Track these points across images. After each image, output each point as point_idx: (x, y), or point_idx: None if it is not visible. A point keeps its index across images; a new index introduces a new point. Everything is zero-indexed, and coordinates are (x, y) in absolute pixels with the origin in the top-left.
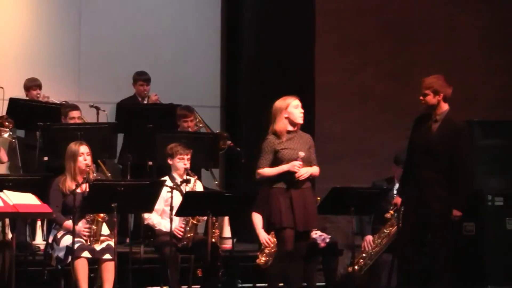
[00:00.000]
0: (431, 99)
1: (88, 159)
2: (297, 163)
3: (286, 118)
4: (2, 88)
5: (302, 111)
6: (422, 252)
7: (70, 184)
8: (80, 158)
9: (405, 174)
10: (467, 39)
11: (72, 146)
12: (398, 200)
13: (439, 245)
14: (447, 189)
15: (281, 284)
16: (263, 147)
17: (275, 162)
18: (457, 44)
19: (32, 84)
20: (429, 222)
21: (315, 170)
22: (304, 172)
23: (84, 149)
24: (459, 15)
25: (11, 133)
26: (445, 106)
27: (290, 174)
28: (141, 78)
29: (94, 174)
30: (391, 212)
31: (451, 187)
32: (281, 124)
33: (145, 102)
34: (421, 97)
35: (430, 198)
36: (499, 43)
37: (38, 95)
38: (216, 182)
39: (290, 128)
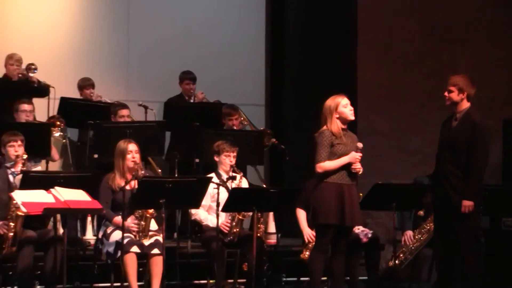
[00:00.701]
0: (455, 96)
1: (137, 157)
2: (358, 154)
3: (337, 118)
4: (53, 87)
5: (352, 108)
6: (452, 250)
7: (119, 181)
8: (129, 156)
9: (435, 173)
10: (505, 39)
11: (121, 144)
12: (428, 198)
13: (462, 239)
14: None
15: (324, 278)
16: (320, 141)
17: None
18: (496, 44)
19: (85, 84)
20: (452, 216)
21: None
22: (360, 166)
23: (132, 147)
24: (498, 17)
25: (61, 133)
26: (466, 105)
27: (343, 169)
28: (187, 77)
29: (143, 171)
30: (423, 210)
31: (465, 179)
32: (335, 126)
33: (192, 100)
34: (446, 93)
35: (449, 191)
36: None
37: (92, 94)
38: (262, 179)
39: (342, 126)
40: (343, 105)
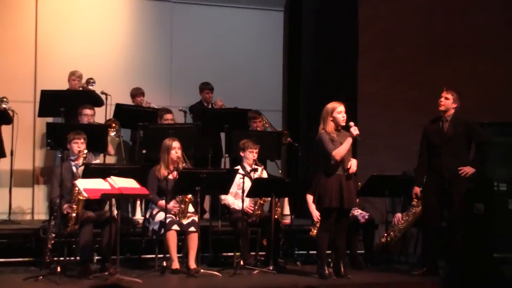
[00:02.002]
0: (450, 104)
1: (179, 152)
2: (355, 128)
3: (331, 121)
4: (110, 95)
5: (345, 116)
6: (440, 227)
7: (164, 172)
8: (172, 152)
9: (421, 167)
10: (486, 56)
11: (167, 141)
12: (417, 190)
13: (460, 221)
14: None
15: (329, 252)
16: (323, 139)
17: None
18: (479, 60)
19: (137, 92)
20: (450, 200)
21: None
22: (354, 163)
23: (176, 144)
24: (481, 37)
25: (116, 132)
26: (452, 111)
27: (342, 166)
28: (206, 87)
29: (184, 164)
30: (416, 200)
31: (476, 156)
32: (329, 126)
33: (210, 106)
34: (442, 100)
35: (452, 179)
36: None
37: (142, 101)
38: (280, 171)
39: (335, 128)
40: (338, 111)
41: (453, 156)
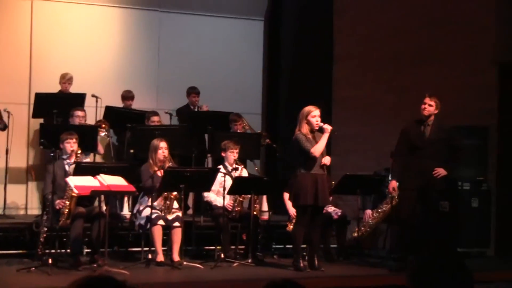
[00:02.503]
0: (433, 110)
1: (166, 152)
2: (327, 125)
3: (306, 123)
4: (100, 98)
5: (319, 120)
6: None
7: (153, 169)
8: (160, 151)
9: (399, 165)
10: (448, 66)
11: (155, 141)
12: (394, 184)
13: (430, 217)
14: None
15: (304, 246)
16: (301, 140)
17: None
18: (439, 69)
19: (127, 95)
20: (426, 199)
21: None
22: (328, 159)
23: (163, 144)
24: (451, 45)
25: (106, 132)
26: (433, 117)
27: (316, 162)
28: (193, 91)
29: (170, 164)
30: (393, 192)
31: (452, 159)
32: (304, 128)
33: (196, 109)
34: (426, 106)
35: (431, 179)
36: (469, 68)
37: (131, 104)
38: (257, 169)
39: (310, 130)
40: (312, 115)
41: (432, 158)
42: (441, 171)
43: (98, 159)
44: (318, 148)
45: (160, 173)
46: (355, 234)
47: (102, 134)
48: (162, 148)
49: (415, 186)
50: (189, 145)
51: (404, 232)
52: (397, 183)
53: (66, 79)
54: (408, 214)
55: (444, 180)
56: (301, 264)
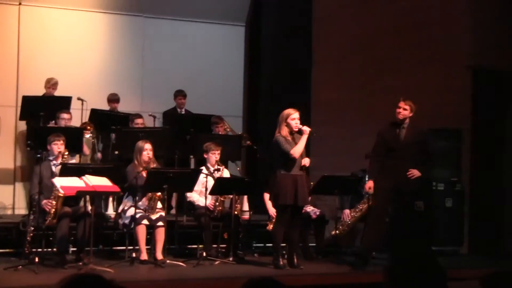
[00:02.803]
0: (407, 113)
1: (151, 154)
2: (306, 127)
3: (285, 126)
4: (85, 101)
5: (298, 122)
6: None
7: (137, 169)
8: (144, 153)
9: (376, 165)
10: (421, 70)
11: (139, 143)
12: (371, 183)
13: (404, 217)
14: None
15: (284, 244)
16: (281, 142)
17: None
18: (414, 73)
19: (113, 98)
20: (400, 199)
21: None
22: (307, 160)
23: (148, 146)
24: (418, 52)
25: (91, 134)
26: (408, 120)
27: (296, 163)
28: (180, 94)
29: (154, 165)
30: (370, 190)
31: (425, 162)
32: (284, 131)
33: (183, 112)
34: (401, 110)
35: (406, 180)
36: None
37: (116, 107)
38: (238, 169)
39: (289, 132)
40: (291, 118)
41: (407, 160)
42: (415, 172)
43: (84, 160)
44: (297, 150)
45: (144, 174)
46: (334, 233)
47: (87, 136)
48: (147, 150)
49: (389, 186)
50: (172, 147)
51: (370, 230)
52: (373, 183)
53: (51, 84)
54: (380, 213)
55: (418, 181)
56: (281, 262)
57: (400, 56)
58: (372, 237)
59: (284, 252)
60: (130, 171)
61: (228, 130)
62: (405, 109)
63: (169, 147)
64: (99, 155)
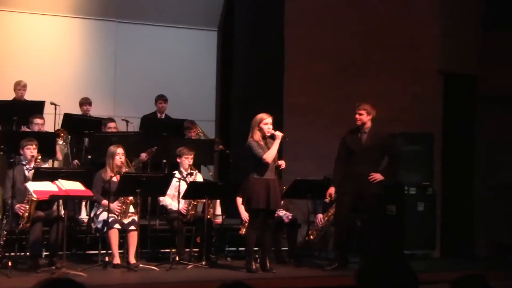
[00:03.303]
0: (364, 118)
1: (123, 158)
2: (278, 132)
3: (258, 130)
4: (59, 105)
5: (271, 127)
6: (353, 225)
7: (109, 175)
8: (117, 157)
9: (339, 170)
10: (393, 75)
11: (112, 148)
12: (332, 190)
13: (373, 220)
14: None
15: (256, 248)
16: (253, 146)
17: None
18: (385, 78)
19: (85, 102)
20: (364, 203)
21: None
22: (283, 162)
23: (120, 150)
24: (393, 56)
25: (63, 142)
26: (369, 123)
27: (268, 167)
28: (161, 98)
29: (126, 169)
30: (329, 198)
31: (390, 166)
32: (257, 135)
33: (163, 116)
34: (357, 116)
35: (367, 184)
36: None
37: (88, 110)
38: (211, 174)
39: (262, 137)
40: (264, 123)
41: (368, 164)
42: (377, 176)
43: (57, 164)
44: (270, 155)
45: (116, 179)
46: (306, 237)
47: (60, 142)
48: (119, 154)
49: (351, 191)
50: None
51: (339, 235)
52: (335, 189)
53: (20, 86)
54: (342, 218)
55: (381, 185)
56: (253, 266)
57: (371, 62)
58: (342, 237)
59: (256, 256)
60: (97, 181)
61: (201, 134)
62: (360, 114)
63: (141, 151)
64: (75, 162)
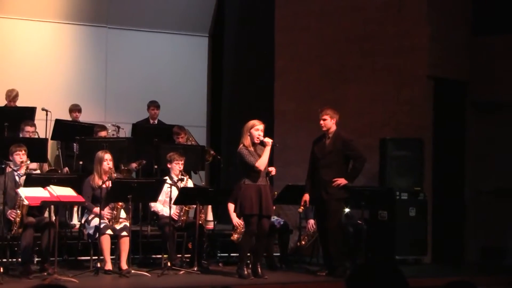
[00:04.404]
0: (328, 122)
1: (111, 164)
2: (268, 139)
3: (249, 136)
4: (50, 111)
5: (261, 134)
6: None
7: (98, 181)
8: (105, 163)
9: (308, 177)
10: (384, 81)
11: (99, 153)
12: (306, 197)
13: (330, 228)
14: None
15: (249, 254)
16: (244, 154)
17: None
18: (375, 83)
19: (74, 108)
20: (324, 207)
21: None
22: (273, 168)
23: (107, 156)
24: (384, 62)
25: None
26: (334, 127)
27: (260, 173)
28: (153, 104)
29: (115, 174)
30: (302, 207)
31: (352, 168)
32: (247, 141)
33: (155, 123)
34: (322, 122)
35: (322, 190)
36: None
37: (77, 116)
38: (203, 183)
39: (252, 143)
40: (255, 129)
41: (330, 168)
42: (340, 181)
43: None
44: (262, 162)
45: (106, 185)
46: (298, 243)
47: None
48: (107, 160)
49: (317, 196)
50: (136, 157)
51: (322, 242)
52: (308, 196)
53: (11, 97)
54: (318, 224)
55: (345, 189)
56: (245, 272)
57: (361, 67)
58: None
59: (248, 261)
60: (86, 187)
61: (191, 140)
62: (324, 119)
63: (133, 157)
64: (65, 170)
